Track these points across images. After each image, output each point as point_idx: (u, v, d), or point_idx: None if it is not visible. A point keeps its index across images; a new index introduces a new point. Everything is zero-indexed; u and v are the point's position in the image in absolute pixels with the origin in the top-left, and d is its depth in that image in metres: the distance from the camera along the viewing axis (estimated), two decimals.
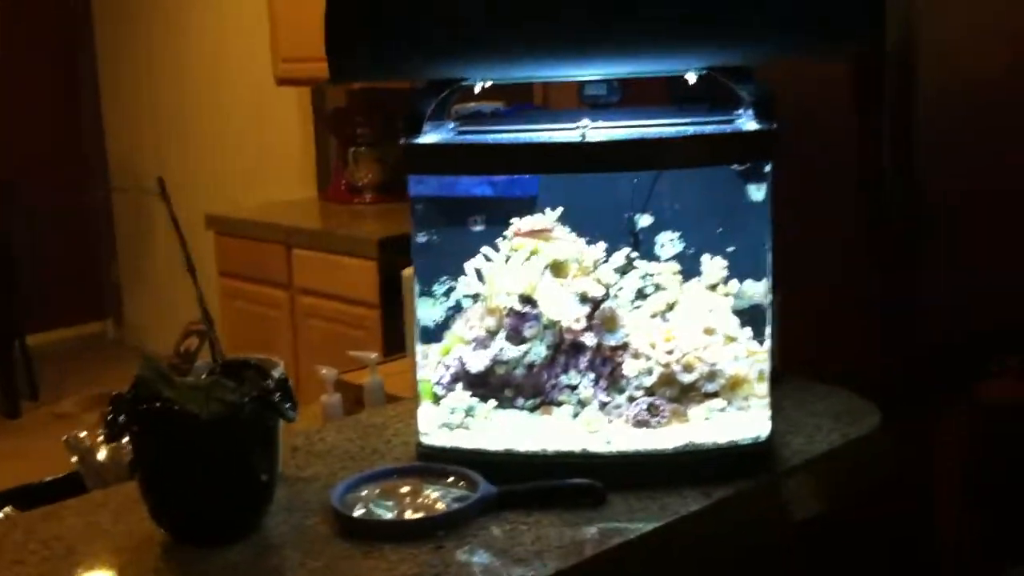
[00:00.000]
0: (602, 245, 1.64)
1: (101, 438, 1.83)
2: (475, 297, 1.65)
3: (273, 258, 4.79)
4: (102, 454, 1.82)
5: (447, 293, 1.68)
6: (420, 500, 1.46)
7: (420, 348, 1.62)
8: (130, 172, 6.90)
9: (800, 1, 1.49)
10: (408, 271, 1.96)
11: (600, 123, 1.56)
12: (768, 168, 1.51)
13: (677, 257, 1.67)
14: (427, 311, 1.65)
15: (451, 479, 1.49)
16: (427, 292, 1.64)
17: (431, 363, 1.63)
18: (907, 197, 2.17)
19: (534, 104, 2.14)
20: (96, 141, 7.03)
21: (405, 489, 1.49)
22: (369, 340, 4.24)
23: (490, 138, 1.56)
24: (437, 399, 1.61)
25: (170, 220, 1.63)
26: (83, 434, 1.83)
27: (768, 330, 1.56)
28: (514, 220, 1.65)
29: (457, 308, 1.66)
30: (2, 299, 6.01)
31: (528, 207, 1.68)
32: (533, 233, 1.60)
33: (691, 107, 1.67)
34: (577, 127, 1.51)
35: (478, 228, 1.68)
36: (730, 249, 1.66)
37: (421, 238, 1.61)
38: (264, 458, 1.43)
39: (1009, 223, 2.35)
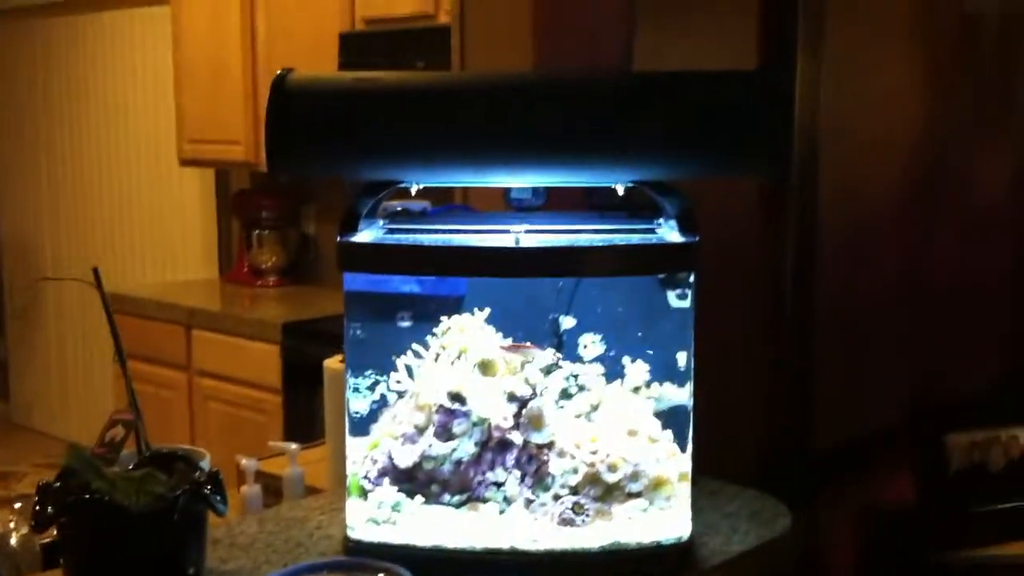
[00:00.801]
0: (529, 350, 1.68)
1: (13, 524, 1.81)
2: (400, 393, 1.67)
3: (172, 339, 4.76)
4: (14, 540, 1.80)
5: (372, 387, 1.70)
6: None
7: (350, 441, 1.64)
8: (24, 251, 6.80)
9: (717, 137, 1.57)
10: (329, 361, 1.99)
11: (530, 227, 1.61)
12: (692, 277, 1.57)
13: (599, 359, 1.72)
14: (356, 404, 1.67)
15: (379, 575, 1.50)
16: (356, 387, 1.67)
17: (359, 457, 1.65)
18: (804, 299, 2.26)
19: (457, 204, 2.19)
20: None
21: None
22: (271, 425, 4.22)
23: (425, 240, 1.60)
24: (364, 493, 1.63)
25: (104, 309, 1.63)
26: None
27: (690, 432, 1.61)
28: (443, 319, 1.68)
29: (383, 402, 1.68)
30: None
31: (455, 306, 1.72)
32: (515, 347, 1.64)
33: (611, 214, 1.73)
34: (510, 231, 1.56)
35: (405, 324, 1.71)
36: (651, 352, 1.71)
37: (354, 331, 1.63)
38: (193, 551, 1.43)
39: (894, 326, 2.46)
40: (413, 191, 1.64)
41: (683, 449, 1.63)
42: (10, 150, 6.75)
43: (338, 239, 1.57)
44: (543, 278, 1.64)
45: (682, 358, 1.64)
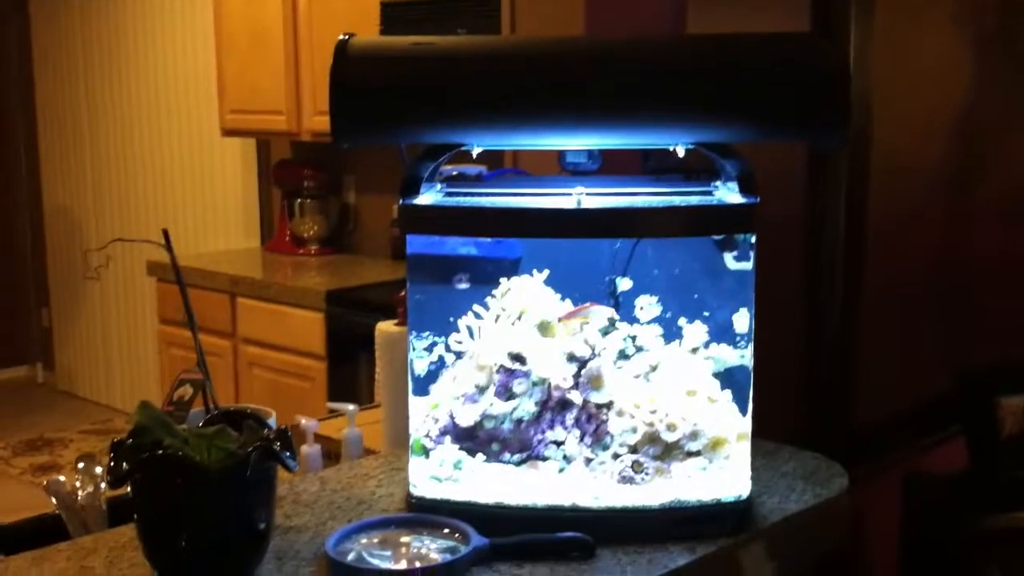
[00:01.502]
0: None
1: (79, 482, 1.84)
2: (460, 354, 1.70)
3: (217, 307, 4.80)
4: (81, 498, 1.84)
5: (430, 348, 1.72)
6: (414, 551, 1.50)
7: (412, 401, 1.66)
8: (68, 221, 6.85)
9: (781, 98, 1.57)
10: (383, 324, 2.02)
11: (587, 190, 1.63)
12: (752, 239, 1.58)
13: (657, 320, 1.74)
14: (417, 364, 1.70)
15: (444, 531, 1.53)
16: (418, 347, 1.69)
17: (421, 416, 1.67)
18: (852, 269, 2.27)
19: (509, 168, 2.20)
20: (32, 192, 7.00)
21: (398, 539, 1.53)
22: (314, 392, 4.27)
23: (486, 202, 1.62)
24: (426, 452, 1.66)
25: (173, 269, 1.66)
26: (62, 478, 1.84)
27: (749, 394, 1.63)
28: (502, 280, 1.70)
29: (442, 363, 1.71)
30: None
31: (512, 269, 1.74)
32: (572, 314, 1.66)
33: (667, 177, 1.74)
34: (572, 194, 1.58)
35: (463, 286, 1.74)
36: (708, 314, 1.73)
37: (415, 293, 1.66)
38: (264, 507, 1.46)
39: (938, 298, 2.46)
40: (474, 154, 1.65)
41: (742, 410, 1.65)
42: (52, 121, 6.81)
43: (400, 202, 1.59)
44: (600, 239, 1.65)
45: (740, 320, 1.65)
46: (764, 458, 1.84)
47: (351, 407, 2.02)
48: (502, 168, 2.05)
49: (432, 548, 1.50)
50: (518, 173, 2.08)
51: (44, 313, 7.13)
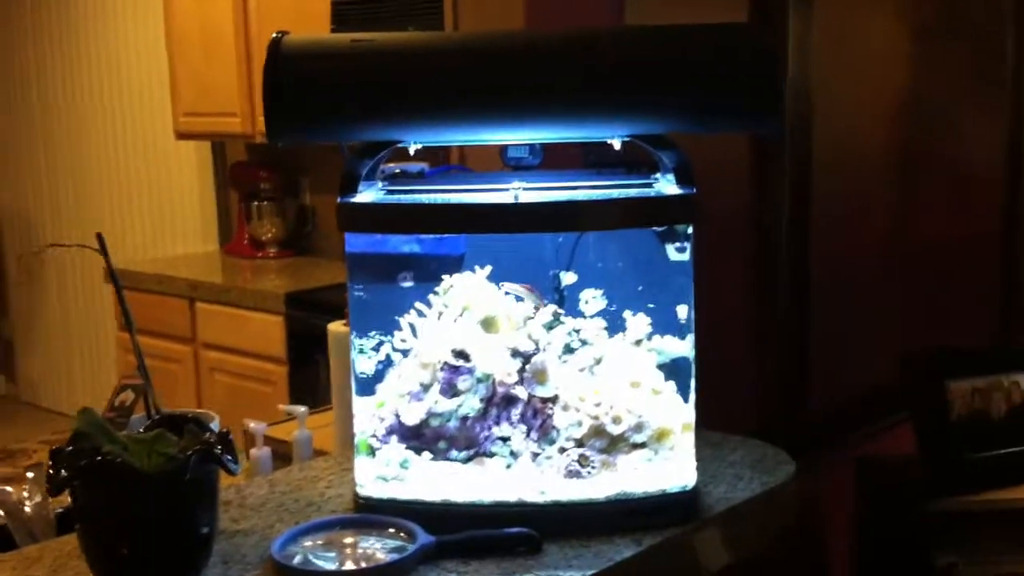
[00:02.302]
0: (530, 302, 1.70)
1: (26, 492, 1.83)
2: (405, 352, 1.69)
3: (175, 312, 4.76)
4: (28, 508, 1.82)
5: (376, 347, 1.72)
6: (360, 551, 1.49)
7: (357, 401, 1.66)
8: (26, 225, 6.79)
9: (712, 87, 1.58)
10: (333, 325, 2.01)
11: (527, 185, 1.62)
12: (690, 230, 1.58)
13: (601, 313, 1.74)
14: (361, 364, 1.69)
15: (390, 530, 1.53)
16: (362, 348, 1.68)
17: (366, 416, 1.67)
18: (798, 254, 2.28)
19: (453, 164, 2.20)
20: None
21: (344, 540, 1.52)
22: (276, 395, 4.25)
23: (425, 199, 1.62)
24: (372, 451, 1.65)
25: (109, 273, 1.64)
26: (10, 488, 1.83)
27: (692, 383, 1.63)
28: (444, 277, 1.70)
29: (388, 362, 1.70)
30: None
31: (456, 265, 1.74)
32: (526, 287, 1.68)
33: (608, 171, 1.74)
34: (509, 189, 1.58)
35: (407, 284, 1.73)
36: (651, 305, 1.73)
37: (357, 293, 1.65)
38: (206, 512, 1.45)
39: (886, 283, 2.48)
40: (411, 151, 1.65)
41: (686, 399, 1.65)
42: (5, 123, 6.74)
43: (338, 200, 1.58)
44: (542, 234, 1.65)
45: (683, 310, 1.65)
46: (711, 448, 1.85)
47: (302, 409, 2.02)
48: (446, 165, 2.04)
49: (378, 548, 1.50)
50: (461, 170, 2.08)
51: (3, 323, 7.06)
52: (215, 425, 1.55)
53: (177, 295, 4.73)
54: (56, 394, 6.79)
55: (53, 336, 6.71)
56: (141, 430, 1.50)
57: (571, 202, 1.56)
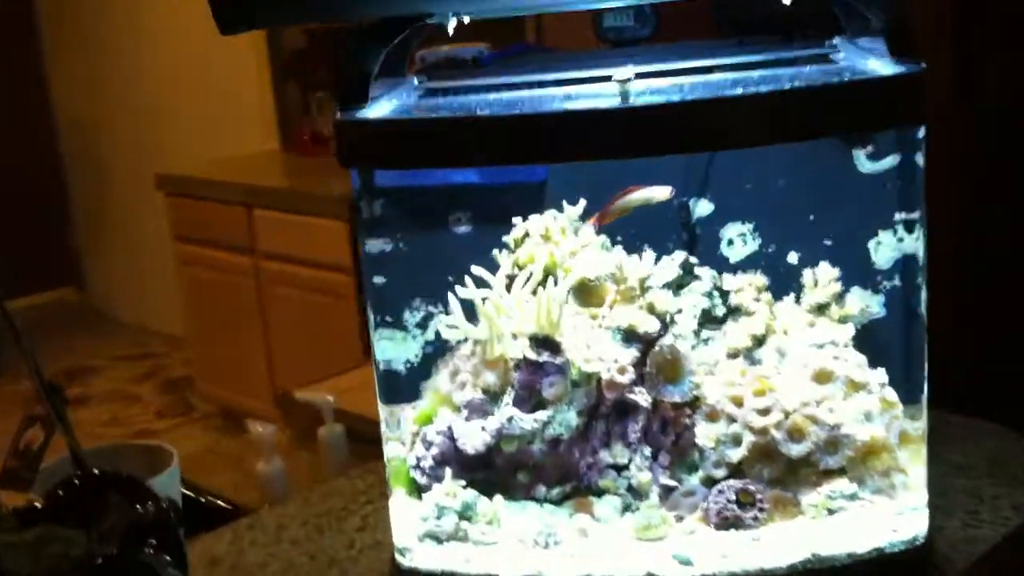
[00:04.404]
0: (649, 256, 1.11)
1: None
2: (458, 341, 1.12)
3: (233, 220, 4.26)
4: None
5: (413, 330, 1.14)
6: None
7: (385, 411, 1.09)
8: (79, 131, 6.36)
9: None
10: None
11: (639, 69, 1.00)
12: (921, 132, 0.97)
13: (755, 261, 1.15)
14: (393, 350, 1.11)
15: None
16: (390, 323, 1.10)
17: (403, 436, 1.10)
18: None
19: (530, 44, 1.57)
20: (40, 98, 6.48)
21: None
22: (344, 309, 3.74)
23: (481, 104, 1.01)
24: (417, 490, 1.08)
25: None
26: None
27: (924, 367, 1.03)
28: (516, 220, 1.11)
29: (434, 353, 1.13)
30: None
31: (534, 196, 1.15)
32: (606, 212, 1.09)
33: (757, 40, 1.12)
34: (613, 79, 0.96)
35: (462, 229, 1.15)
36: (828, 243, 1.13)
37: (374, 247, 1.07)
38: None
39: None
40: (450, 29, 1.05)
41: (910, 396, 1.05)
42: (59, 28, 6.24)
43: (335, 116, 0.99)
44: (680, 154, 1.04)
45: (893, 251, 1.05)
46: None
47: (329, 398, 1.44)
48: (516, 45, 1.42)
49: None
50: (537, 50, 1.45)
51: (70, 233, 6.66)
52: (167, 480, 0.99)
53: (234, 202, 4.21)
54: (127, 305, 6.39)
55: (121, 244, 6.29)
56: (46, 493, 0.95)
57: (721, 100, 0.93)
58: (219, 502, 1.67)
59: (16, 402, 5.27)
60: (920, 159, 0.98)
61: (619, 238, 1.18)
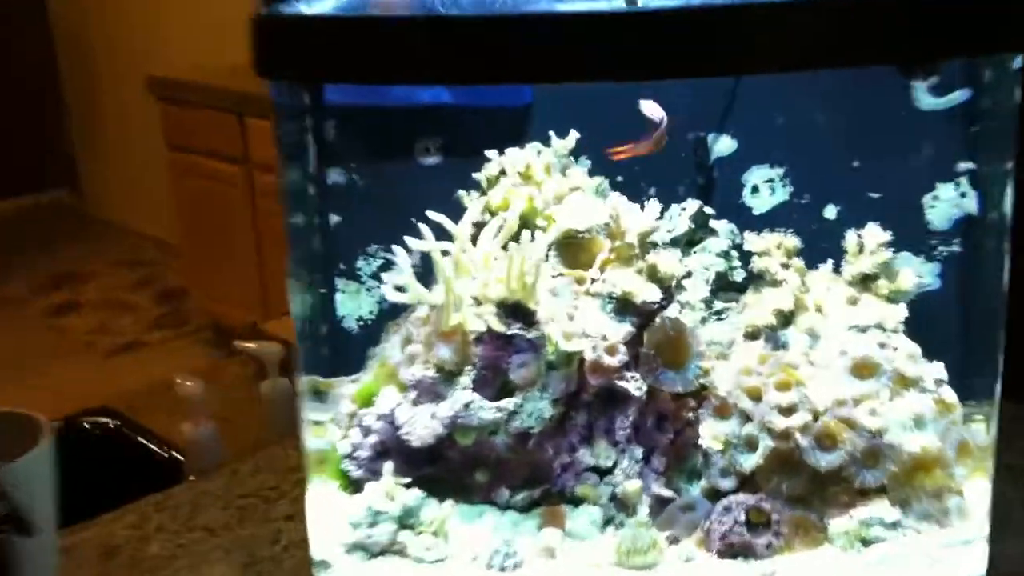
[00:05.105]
0: (654, 206, 0.88)
1: None
2: (405, 306, 0.90)
3: (225, 129, 4.04)
4: None
5: (377, 275, 0.93)
6: None
7: (307, 382, 0.87)
8: (75, 34, 6.13)
9: None
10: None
11: None
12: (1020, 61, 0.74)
13: (784, 215, 0.92)
14: (315, 307, 0.90)
15: None
16: (302, 289, 0.88)
17: (337, 418, 0.88)
18: None
19: None
20: (36, 2, 6.25)
21: None
22: None
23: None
24: (353, 485, 0.87)
25: None
26: None
27: (998, 362, 0.81)
28: (490, 153, 0.89)
29: (377, 317, 0.92)
30: None
31: (516, 124, 0.93)
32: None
33: None
34: None
35: (430, 160, 0.93)
36: (877, 197, 0.91)
37: (307, 184, 0.85)
38: None
39: None
40: None
41: (975, 396, 0.83)
42: None
43: (259, 9, 0.76)
44: (717, 77, 0.80)
45: (957, 205, 0.83)
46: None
47: (273, 347, 1.23)
48: None
49: None
50: None
51: (66, 135, 6.45)
52: (36, 460, 0.78)
53: (226, 109, 3.98)
54: (121, 208, 6.19)
55: (112, 150, 6.08)
56: None
57: (764, 7, 0.68)
58: (177, 454, 1.48)
59: (0, 306, 5.10)
60: (1018, 95, 0.75)
61: (620, 179, 0.95)
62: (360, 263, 0.94)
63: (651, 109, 0.82)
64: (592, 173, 0.95)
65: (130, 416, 1.63)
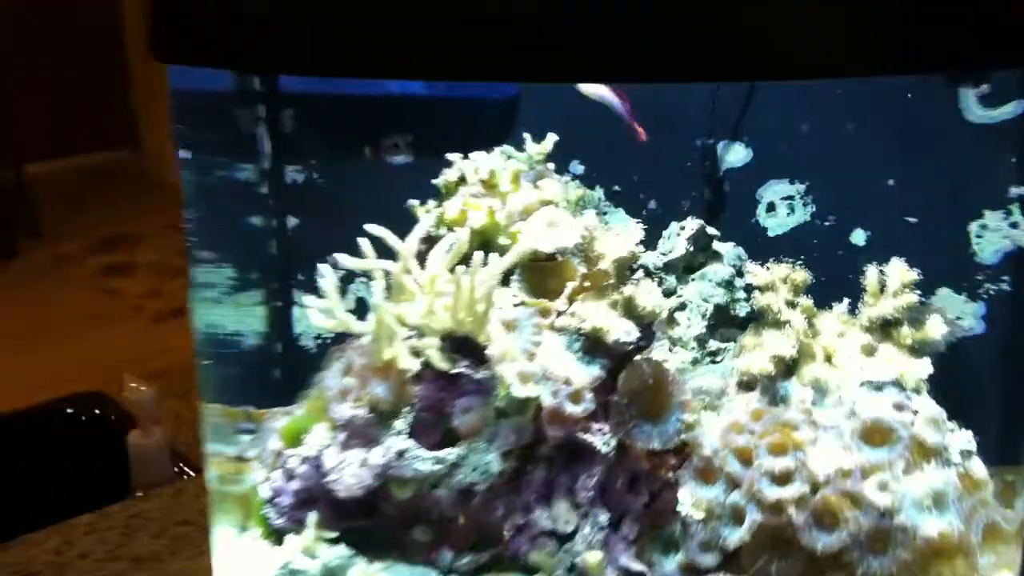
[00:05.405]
0: (635, 227, 0.74)
1: None
2: (337, 337, 0.77)
3: None
4: None
5: (273, 310, 0.81)
6: None
7: (216, 413, 0.75)
8: None
9: None
10: None
11: None
12: None
13: (796, 240, 0.79)
14: (220, 318, 0.78)
15: None
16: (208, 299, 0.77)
17: (268, 453, 0.76)
18: None
19: None
20: None
21: None
22: None
23: None
24: (273, 535, 0.75)
25: None
26: None
27: None
28: (452, 158, 0.76)
29: (325, 342, 0.80)
30: None
31: (499, 118, 0.80)
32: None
33: None
34: None
35: (397, 159, 0.81)
36: (912, 221, 0.78)
37: (190, 179, 0.73)
38: None
39: None
40: None
41: (1014, 461, 0.70)
42: None
43: None
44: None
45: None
46: None
47: (144, 390, 1.09)
48: None
49: None
50: None
51: (129, 96, 6.41)
52: None
53: None
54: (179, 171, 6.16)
55: None
56: None
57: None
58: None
59: (51, 266, 5.07)
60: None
61: (617, 188, 0.83)
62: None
63: (602, 92, 0.69)
64: (583, 179, 0.82)
65: (118, 402, 1.53)
